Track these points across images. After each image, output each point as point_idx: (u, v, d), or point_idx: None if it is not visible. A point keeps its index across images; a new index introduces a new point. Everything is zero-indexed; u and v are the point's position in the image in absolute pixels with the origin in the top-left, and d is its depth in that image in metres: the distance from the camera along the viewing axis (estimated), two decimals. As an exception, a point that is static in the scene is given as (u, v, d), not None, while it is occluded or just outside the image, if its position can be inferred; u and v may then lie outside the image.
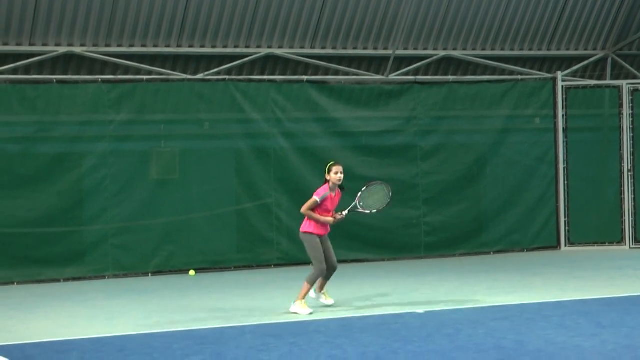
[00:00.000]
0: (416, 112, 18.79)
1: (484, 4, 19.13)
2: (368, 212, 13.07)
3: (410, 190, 18.66)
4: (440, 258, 18.62)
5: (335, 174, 12.62)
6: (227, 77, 17.91)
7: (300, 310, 12.55)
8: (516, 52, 20.06)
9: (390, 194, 13.14)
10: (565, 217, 19.36)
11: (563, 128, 19.46)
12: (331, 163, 12.78)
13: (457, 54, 19.57)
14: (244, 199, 17.83)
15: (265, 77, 18.31)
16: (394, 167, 18.56)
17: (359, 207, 12.97)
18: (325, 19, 18.42)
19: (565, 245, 19.37)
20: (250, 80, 17.96)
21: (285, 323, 12.03)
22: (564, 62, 20.45)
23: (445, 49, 19.54)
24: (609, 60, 20.65)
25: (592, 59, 20.49)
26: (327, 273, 12.85)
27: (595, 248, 19.26)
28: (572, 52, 20.44)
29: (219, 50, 18.21)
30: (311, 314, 12.46)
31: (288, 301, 12.90)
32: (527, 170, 19.32)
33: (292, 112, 18.14)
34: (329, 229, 12.86)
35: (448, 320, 12.03)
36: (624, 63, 20.57)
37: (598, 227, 19.39)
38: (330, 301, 13.10)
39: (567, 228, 19.37)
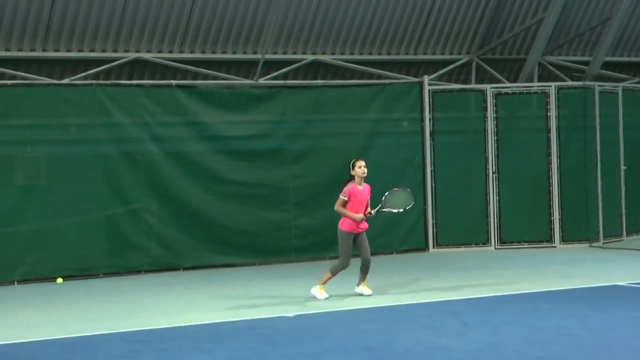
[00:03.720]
0: (285, 116, 18.84)
1: (352, 9, 19.32)
2: (395, 211, 14.14)
3: (280, 193, 18.69)
4: (311, 261, 18.69)
5: (359, 168, 13.82)
6: (94, 81, 17.66)
7: (318, 294, 13.85)
8: (384, 57, 20.30)
9: (413, 196, 14.34)
10: (432, 220, 19.66)
11: (430, 131, 19.77)
12: (354, 160, 13.96)
13: (325, 58, 19.70)
14: (113, 205, 17.59)
15: (133, 81, 18.13)
16: (264, 171, 18.57)
17: (385, 207, 14.02)
18: (194, 23, 18.32)
19: (433, 247, 19.67)
20: (118, 85, 17.77)
21: (154, 329, 11.94)
22: (430, 66, 20.78)
23: (314, 53, 19.65)
24: (474, 64, 21.10)
25: (457, 64, 20.88)
26: (363, 267, 13.99)
27: (462, 249, 19.59)
28: (438, 57, 20.80)
29: (85, 54, 17.94)
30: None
31: (157, 307, 12.77)
32: (395, 173, 19.49)
33: (161, 116, 17.98)
34: (365, 226, 13.92)
35: (318, 323, 12.12)
36: (487, 67, 21.02)
37: (464, 229, 19.71)
38: (368, 291, 14.04)
39: (434, 230, 19.67)
